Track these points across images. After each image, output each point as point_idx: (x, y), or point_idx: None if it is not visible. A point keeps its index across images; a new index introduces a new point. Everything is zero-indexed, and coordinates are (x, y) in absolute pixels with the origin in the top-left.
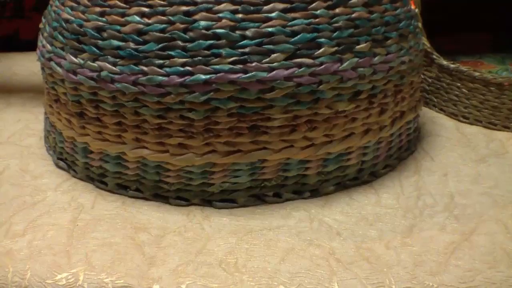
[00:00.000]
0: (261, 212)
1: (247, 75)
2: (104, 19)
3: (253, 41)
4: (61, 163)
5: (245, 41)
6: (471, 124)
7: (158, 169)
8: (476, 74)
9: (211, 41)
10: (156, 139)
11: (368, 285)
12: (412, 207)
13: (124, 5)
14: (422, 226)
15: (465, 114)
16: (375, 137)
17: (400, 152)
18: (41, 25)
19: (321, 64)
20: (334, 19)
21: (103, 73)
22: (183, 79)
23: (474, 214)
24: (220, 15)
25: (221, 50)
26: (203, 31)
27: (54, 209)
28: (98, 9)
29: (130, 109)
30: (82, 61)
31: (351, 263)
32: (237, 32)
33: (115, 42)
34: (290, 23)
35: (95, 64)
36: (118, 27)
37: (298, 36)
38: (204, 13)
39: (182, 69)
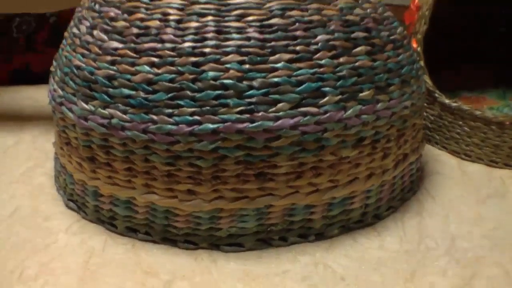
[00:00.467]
0: (267, 256)
1: (254, 124)
2: (115, 67)
3: (260, 91)
4: (72, 204)
5: (252, 91)
6: (473, 161)
7: (167, 214)
8: (477, 113)
9: (219, 91)
10: (165, 185)
11: None
12: (414, 251)
13: (134, 55)
14: (424, 271)
15: (467, 152)
16: (378, 180)
17: (403, 193)
18: (52, 68)
19: (326, 112)
20: (338, 68)
21: (114, 121)
22: (191, 128)
23: (475, 257)
24: (228, 65)
25: (228, 100)
26: (211, 81)
27: (65, 252)
28: (109, 57)
29: (140, 156)
30: (93, 108)
31: None
32: (244, 82)
33: (126, 91)
34: (295, 73)
35: (106, 112)
36: (129, 76)
37: (303, 86)
38: (212, 64)
39: (190, 118)
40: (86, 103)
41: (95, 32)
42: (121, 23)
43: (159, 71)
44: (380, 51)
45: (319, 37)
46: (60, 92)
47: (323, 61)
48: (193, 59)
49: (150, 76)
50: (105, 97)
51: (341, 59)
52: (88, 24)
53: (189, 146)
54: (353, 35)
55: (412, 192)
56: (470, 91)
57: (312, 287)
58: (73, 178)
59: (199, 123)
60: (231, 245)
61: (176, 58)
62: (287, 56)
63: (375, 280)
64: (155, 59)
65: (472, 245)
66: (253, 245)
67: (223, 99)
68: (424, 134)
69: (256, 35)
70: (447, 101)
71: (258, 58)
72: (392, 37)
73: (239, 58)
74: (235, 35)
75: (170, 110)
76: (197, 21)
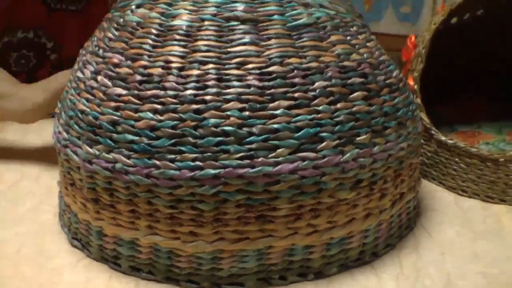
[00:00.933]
0: None
1: (254, 169)
2: (118, 113)
3: (260, 137)
4: (76, 242)
5: (252, 138)
6: (469, 197)
7: (170, 254)
8: (473, 150)
9: (220, 138)
10: (168, 227)
11: None
12: None
13: (137, 102)
14: None
15: (464, 187)
16: (376, 220)
17: (400, 230)
18: (56, 110)
19: (324, 157)
20: (336, 113)
21: (118, 165)
22: (193, 173)
23: None
24: (228, 113)
25: (229, 147)
26: (212, 128)
27: None
28: (113, 103)
29: (143, 199)
30: (97, 152)
31: None
32: (244, 129)
33: (129, 136)
34: (294, 119)
35: (110, 156)
36: (132, 122)
37: (302, 132)
38: (213, 111)
39: (192, 164)
40: (91, 147)
41: (99, 78)
42: (124, 70)
43: (162, 117)
44: (376, 95)
45: (317, 84)
46: (65, 135)
47: (321, 107)
48: (194, 106)
49: (153, 122)
50: (109, 142)
51: (339, 105)
52: (92, 69)
53: (191, 190)
54: (350, 81)
55: (409, 229)
56: (466, 124)
57: None
58: (77, 218)
59: (201, 168)
60: (232, 285)
61: (178, 105)
62: (286, 103)
63: None
64: (158, 106)
65: (468, 283)
66: (253, 285)
67: (224, 146)
68: (421, 170)
69: (256, 82)
70: (443, 138)
71: (258, 105)
72: (388, 81)
73: (240, 105)
74: (235, 83)
75: (172, 156)
76: (199, 69)
